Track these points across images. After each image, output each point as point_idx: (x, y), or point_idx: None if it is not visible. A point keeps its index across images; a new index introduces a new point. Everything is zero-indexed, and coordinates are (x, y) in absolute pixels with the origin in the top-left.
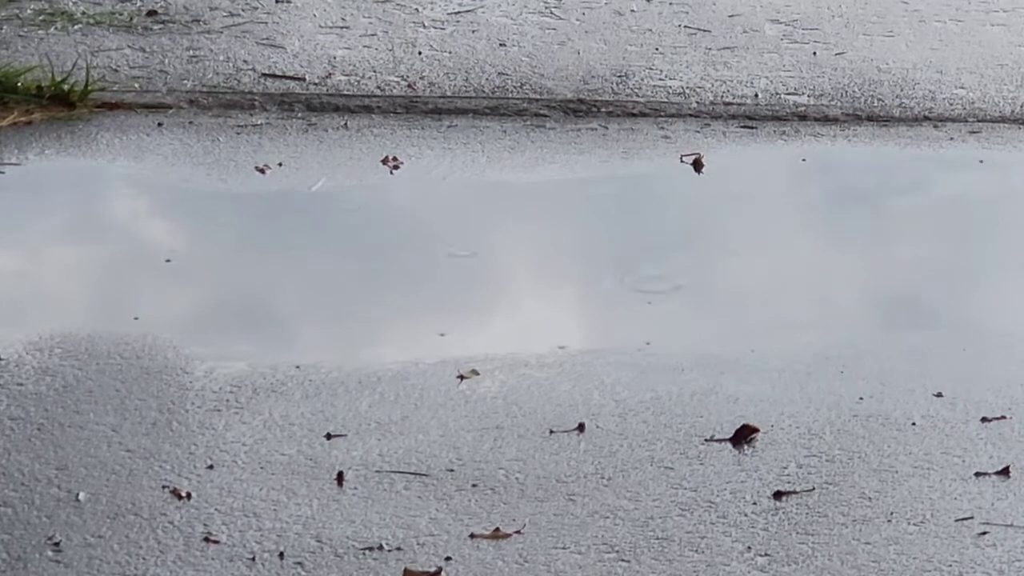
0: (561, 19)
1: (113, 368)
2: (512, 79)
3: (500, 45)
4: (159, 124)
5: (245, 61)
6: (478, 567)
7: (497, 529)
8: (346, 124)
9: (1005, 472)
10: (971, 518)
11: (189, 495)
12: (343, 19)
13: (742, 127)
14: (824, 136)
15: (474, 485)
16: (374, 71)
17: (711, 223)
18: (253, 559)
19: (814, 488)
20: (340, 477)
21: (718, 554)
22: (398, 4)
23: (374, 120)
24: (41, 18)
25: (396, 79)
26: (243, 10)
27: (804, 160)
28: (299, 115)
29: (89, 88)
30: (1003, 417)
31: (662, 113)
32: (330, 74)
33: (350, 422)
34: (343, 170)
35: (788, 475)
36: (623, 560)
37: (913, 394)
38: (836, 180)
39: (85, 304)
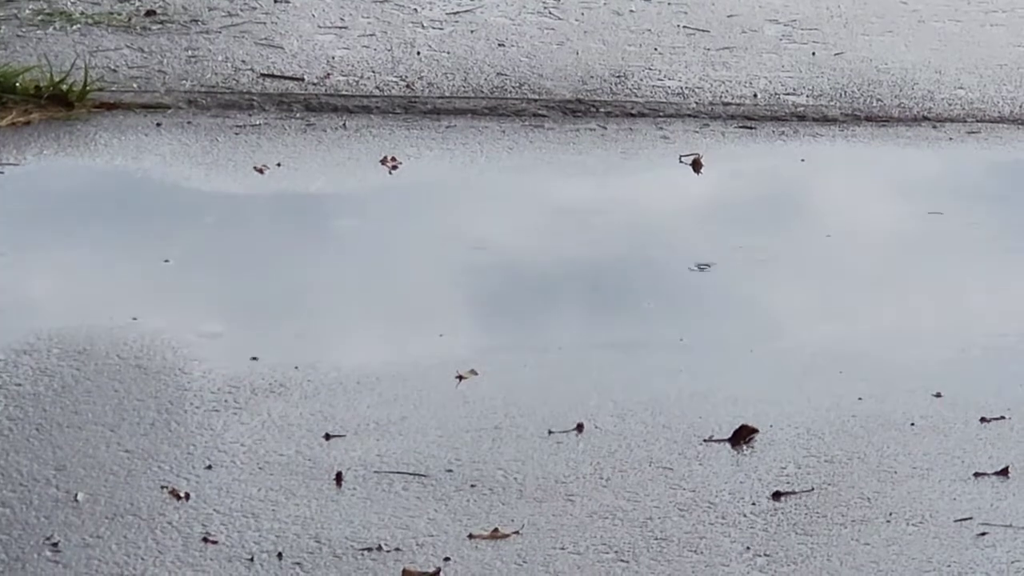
0: (560, 19)
1: (111, 368)
2: (511, 79)
3: (499, 45)
4: (158, 124)
5: (243, 61)
6: (477, 567)
7: (496, 529)
8: (345, 124)
9: (1004, 472)
10: (970, 519)
11: (188, 495)
12: (342, 19)
13: (741, 127)
14: (823, 136)
15: (473, 485)
16: (373, 71)
17: (710, 223)
18: (252, 559)
19: (813, 488)
20: (339, 478)
21: (717, 554)
22: (397, 4)
23: (373, 120)
24: (39, 18)
25: (395, 79)
26: (241, 10)
27: (803, 160)
28: (298, 115)
29: (87, 88)
30: (1002, 417)
31: (661, 113)
32: (329, 74)
33: (349, 422)
34: (342, 170)
35: (787, 475)
36: (622, 560)
37: (913, 394)
38: (835, 180)
39: (83, 304)
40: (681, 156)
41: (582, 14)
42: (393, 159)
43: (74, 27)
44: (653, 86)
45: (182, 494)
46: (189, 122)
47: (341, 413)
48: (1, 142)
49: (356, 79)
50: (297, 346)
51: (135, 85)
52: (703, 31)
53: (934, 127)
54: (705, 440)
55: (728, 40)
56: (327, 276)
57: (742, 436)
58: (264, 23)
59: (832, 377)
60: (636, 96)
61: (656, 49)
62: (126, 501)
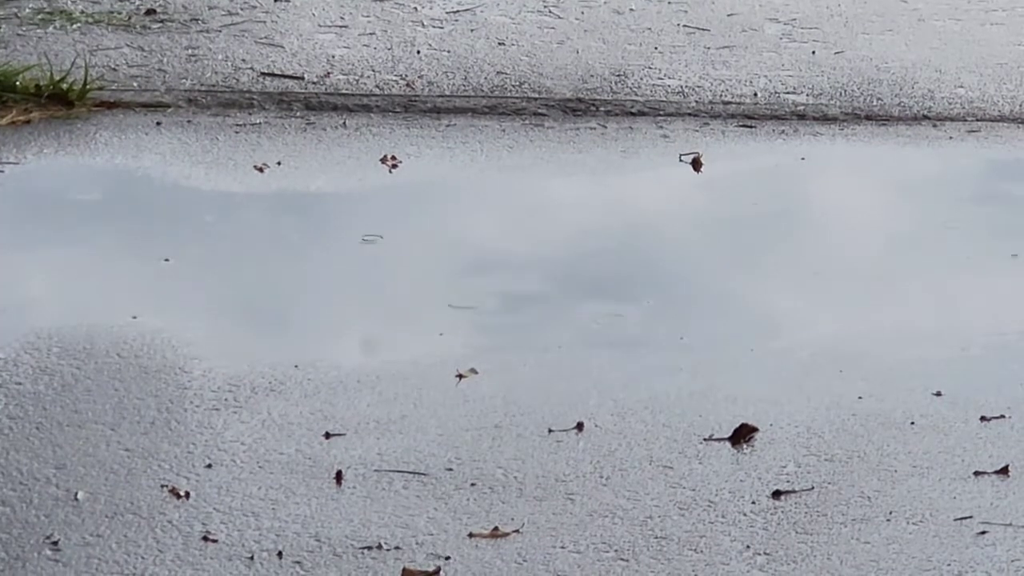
0: (560, 18)
1: (111, 367)
2: (511, 78)
3: (499, 44)
4: (158, 123)
5: (244, 60)
6: (477, 566)
7: (496, 528)
8: (345, 123)
9: (1004, 471)
10: (970, 517)
11: (188, 494)
12: (342, 18)
13: (741, 126)
14: (823, 135)
15: (473, 484)
16: (373, 70)
17: (710, 222)
18: (252, 558)
19: (813, 487)
20: (339, 476)
21: (717, 553)
22: (397, 3)
23: (373, 119)
24: (40, 17)
25: (395, 78)
26: (242, 9)
27: (803, 159)
28: (298, 114)
29: (88, 87)
30: (1002, 416)
31: (661, 112)
32: (329, 73)
33: (349, 421)
34: (342, 169)
35: (787, 474)
36: (622, 559)
37: (913, 393)
38: (835, 179)
39: (83, 303)
40: (681, 155)
41: (582, 13)
42: (393, 158)
43: (74, 26)
44: (653, 85)
45: (182, 493)
46: (189, 121)
47: (341, 412)
48: (1, 141)
49: (356, 78)
50: (297, 345)
51: (135, 84)
52: (703, 30)
53: (934, 126)
54: (705, 439)
55: (728, 39)
56: (327, 274)
57: (742, 435)
58: (264, 22)
59: (832, 376)
60: (636, 95)
61: (656, 48)
62: (126, 500)
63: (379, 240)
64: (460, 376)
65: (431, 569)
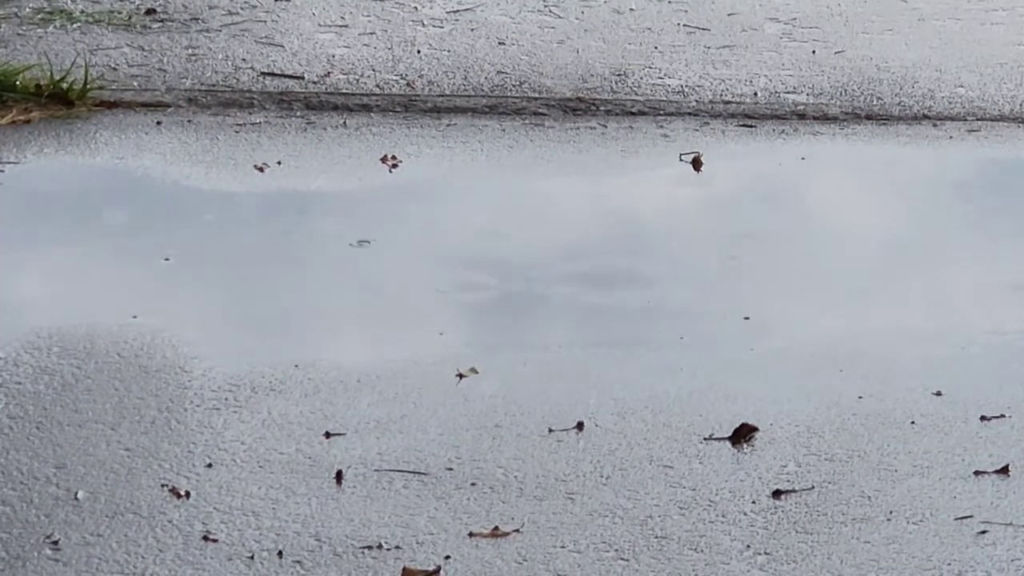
0: (560, 18)
1: (112, 367)
2: (511, 78)
3: (499, 43)
4: (158, 123)
5: (244, 60)
6: (477, 566)
7: (496, 528)
8: (345, 123)
9: (1004, 471)
10: (970, 517)
11: (188, 494)
12: (342, 17)
13: (741, 126)
14: (823, 135)
15: (473, 484)
16: (373, 70)
17: (709, 222)
18: (252, 558)
19: (813, 487)
20: (339, 476)
21: (717, 553)
22: (397, 2)
23: (373, 119)
24: (40, 16)
25: (395, 78)
26: (242, 8)
27: (803, 159)
28: (298, 114)
29: (88, 86)
30: (1002, 416)
31: (661, 112)
32: (329, 73)
33: (349, 421)
34: (342, 168)
35: (787, 474)
36: (622, 559)
37: (913, 393)
38: (835, 178)
39: (84, 303)
40: (681, 154)
41: (582, 12)
42: (393, 157)
43: (74, 25)
44: (653, 84)
45: (182, 492)
46: (189, 120)
47: (341, 411)
48: (1, 140)
49: (356, 77)
50: (297, 344)
51: (135, 83)
52: (703, 29)
53: (934, 125)
54: (705, 438)
55: (728, 38)
56: (327, 274)
57: (742, 434)
58: (264, 21)
59: (832, 375)
60: (636, 94)
61: (656, 47)
62: (126, 499)
63: (379, 239)
64: (460, 376)
65: (431, 568)
